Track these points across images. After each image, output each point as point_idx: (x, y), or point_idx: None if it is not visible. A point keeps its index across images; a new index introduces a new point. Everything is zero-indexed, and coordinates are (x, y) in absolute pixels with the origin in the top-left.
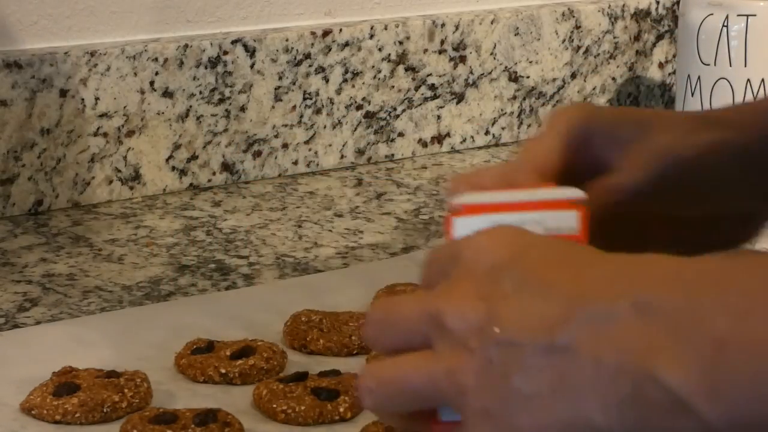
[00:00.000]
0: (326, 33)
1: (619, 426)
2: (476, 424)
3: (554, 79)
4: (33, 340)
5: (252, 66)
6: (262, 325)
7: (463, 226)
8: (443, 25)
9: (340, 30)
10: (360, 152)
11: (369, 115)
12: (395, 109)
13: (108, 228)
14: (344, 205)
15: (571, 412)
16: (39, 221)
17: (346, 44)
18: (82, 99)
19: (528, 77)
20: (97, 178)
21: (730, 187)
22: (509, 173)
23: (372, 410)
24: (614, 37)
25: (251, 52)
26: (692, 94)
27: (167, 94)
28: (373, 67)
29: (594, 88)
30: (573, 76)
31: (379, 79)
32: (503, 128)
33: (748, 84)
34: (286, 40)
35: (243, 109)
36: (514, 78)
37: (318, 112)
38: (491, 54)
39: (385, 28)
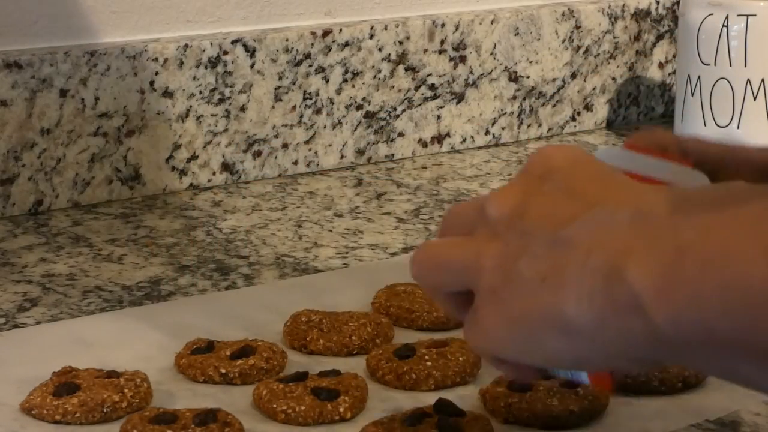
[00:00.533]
0: (326, 33)
1: (586, 317)
2: (483, 303)
3: (554, 79)
4: (33, 340)
5: (252, 66)
6: (262, 325)
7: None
8: (443, 25)
9: (340, 30)
10: (360, 152)
11: (369, 115)
12: (395, 109)
13: (108, 228)
14: (344, 205)
15: (551, 299)
16: (39, 221)
17: (346, 44)
18: (82, 99)
19: (528, 77)
20: (97, 178)
21: None
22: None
23: (416, 279)
24: (614, 37)
25: (251, 52)
26: (692, 94)
27: (167, 94)
28: (373, 67)
29: (594, 88)
30: (573, 76)
31: (379, 79)
32: (503, 128)
33: (748, 84)
34: (286, 40)
35: (243, 109)
36: (514, 78)
37: (318, 112)
38: (491, 54)
39: (385, 28)
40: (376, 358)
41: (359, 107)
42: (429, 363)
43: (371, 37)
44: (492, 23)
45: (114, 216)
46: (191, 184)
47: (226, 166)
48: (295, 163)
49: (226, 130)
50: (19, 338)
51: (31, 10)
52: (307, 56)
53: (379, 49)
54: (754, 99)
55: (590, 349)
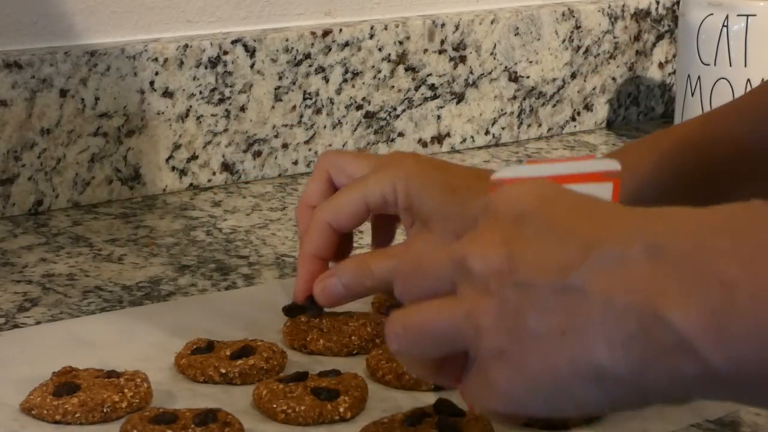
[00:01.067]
0: (326, 33)
1: (623, 364)
2: (489, 364)
3: (554, 79)
4: (33, 340)
5: (252, 66)
6: (262, 325)
7: None
8: (443, 25)
9: (340, 30)
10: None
11: (369, 115)
12: (395, 109)
13: (108, 228)
14: None
15: (578, 351)
16: (39, 221)
17: (346, 44)
18: (82, 99)
19: (528, 77)
20: (97, 178)
21: None
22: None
23: (398, 356)
24: (614, 37)
25: (251, 52)
26: (692, 94)
27: (167, 94)
28: (373, 67)
29: (594, 88)
30: (573, 76)
31: (379, 79)
32: (503, 128)
33: (748, 84)
34: (286, 40)
35: (243, 109)
36: (514, 78)
37: (318, 112)
38: (491, 54)
39: (385, 28)
40: (376, 358)
41: (359, 107)
42: None
43: (371, 37)
44: (492, 23)
45: (114, 216)
46: (191, 184)
47: (226, 166)
48: (295, 163)
49: (226, 130)
50: (19, 338)
51: (31, 10)
52: (307, 56)
53: (379, 49)
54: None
55: (628, 393)
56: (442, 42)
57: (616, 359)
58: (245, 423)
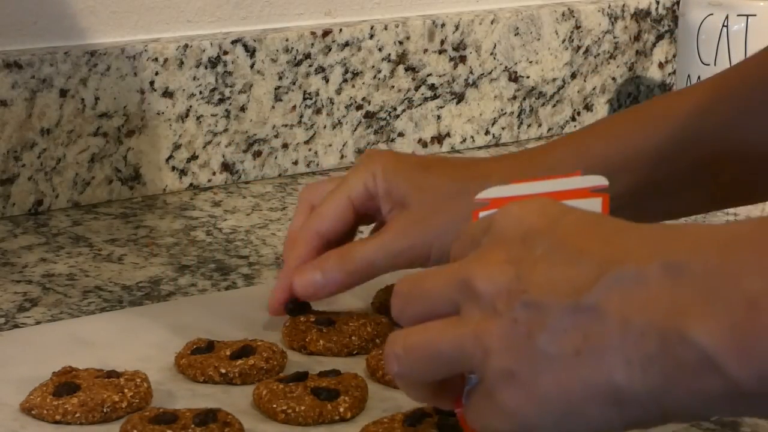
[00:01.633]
0: (326, 33)
1: (642, 384)
2: (497, 386)
3: (554, 79)
4: (33, 340)
5: (252, 66)
6: (262, 325)
7: None
8: (443, 25)
9: (340, 30)
10: (360, 152)
11: (369, 115)
12: (395, 109)
13: (108, 228)
14: None
15: (594, 372)
16: (39, 221)
17: (346, 44)
18: (82, 99)
19: (528, 77)
20: (97, 178)
21: None
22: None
23: (398, 378)
24: (614, 37)
25: (251, 52)
26: None
27: (167, 94)
28: (373, 67)
29: (594, 88)
30: (573, 76)
31: (379, 79)
32: (503, 128)
33: None
34: (286, 40)
35: (243, 109)
36: (514, 78)
37: (318, 112)
38: (491, 54)
39: (385, 28)
40: (376, 358)
41: (359, 107)
42: None
43: (371, 37)
44: (492, 23)
45: (114, 216)
46: (191, 184)
47: (226, 166)
48: (295, 163)
49: (226, 130)
50: (19, 338)
51: (31, 10)
52: (307, 56)
53: (379, 49)
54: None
55: (646, 413)
56: (442, 42)
57: (635, 379)
58: (245, 423)
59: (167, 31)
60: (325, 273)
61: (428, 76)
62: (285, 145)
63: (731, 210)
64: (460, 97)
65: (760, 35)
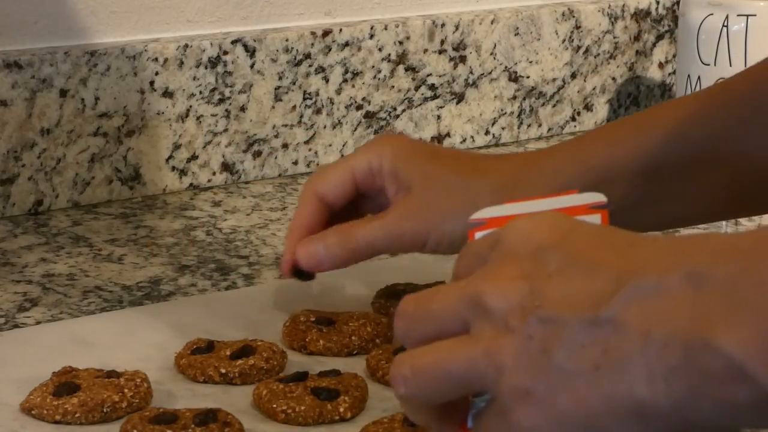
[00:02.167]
0: (326, 33)
1: (665, 397)
2: (513, 405)
3: (554, 79)
4: (33, 340)
5: (252, 66)
6: (262, 325)
7: None
8: (443, 25)
9: (340, 30)
10: None
11: (369, 115)
12: (395, 109)
13: (108, 228)
14: None
15: (614, 386)
16: (39, 221)
17: (346, 44)
18: (82, 99)
19: (528, 77)
20: (97, 178)
21: None
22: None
23: (405, 400)
24: (614, 37)
25: (251, 52)
26: None
27: (167, 94)
28: (373, 67)
29: (594, 88)
30: (573, 76)
31: (379, 79)
32: (503, 128)
33: None
34: (286, 40)
35: (243, 109)
36: (514, 78)
37: (318, 112)
38: (491, 54)
39: (385, 28)
40: (376, 358)
41: (359, 107)
42: None
43: (371, 37)
44: (492, 23)
45: (114, 216)
46: (191, 184)
47: (226, 166)
48: (295, 163)
49: (226, 130)
50: (19, 338)
51: (31, 10)
52: (307, 56)
53: (379, 49)
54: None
55: (670, 426)
56: (442, 42)
57: (657, 392)
58: (245, 423)
59: (167, 31)
60: (327, 247)
61: (428, 76)
62: (285, 145)
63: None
64: (460, 97)
65: (760, 35)
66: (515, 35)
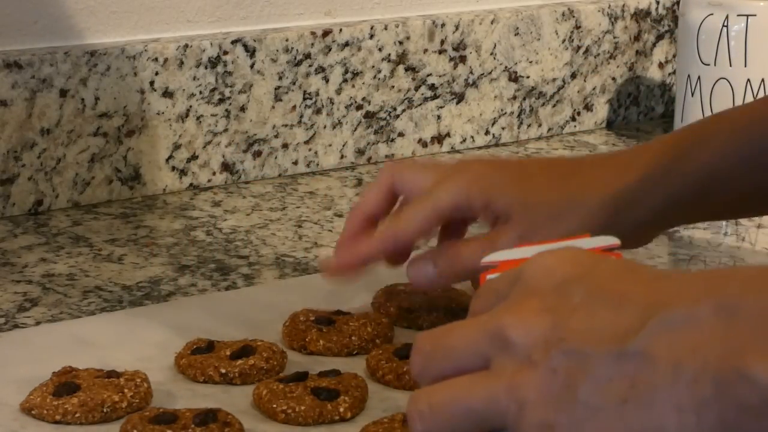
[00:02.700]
0: (326, 33)
1: (696, 431)
2: None
3: (554, 79)
4: (33, 340)
5: (252, 66)
6: (262, 325)
7: None
8: (443, 25)
9: (340, 30)
10: (360, 152)
11: (369, 115)
12: (395, 109)
13: (108, 228)
14: (344, 205)
15: (642, 420)
16: (39, 221)
17: (346, 44)
18: (82, 99)
19: (528, 77)
20: (97, 178)
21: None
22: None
23: None
24: (614, 37)
25: (251, 52)
26: (692, 94)
27: (167, 94)
28: (373, 67)
29: (594, 88)
30: (573, 76)
31: (379, 79)
32: (503, 128)
33: (748, 84)
34: (286, 40)
35: (243, 109)
36: (514, 78)
37: (318, 112)
38: (491, 54)
39: (385, 28)
40: (376, 358)
41: (359, 107)
42: None
43: (371, 37)
44: (492, 23)
45: (114, 216)
46: (191, 184)
47: (226, 166)
48: (295, 163)
49: (226, 130)
50: (19, 338)
51: (31, 10)
52: (307, 56)
53: (379, 49)
54: (754, 99)
55: None
56: (442, 42)
57: (687, 426)
58: (245, 423)
59: (167, 31)
60: (437, 267)
61: (428, 76)
62: (285, 145)
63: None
64: (460, 97)
65: (760, 35)
66: (515, 35)
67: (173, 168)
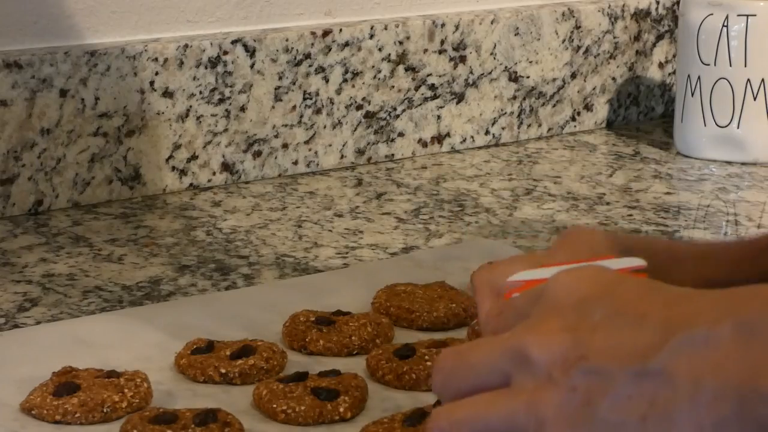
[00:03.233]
0: (326, 33)
1: None
2: None
3: (554, 79)
4: (33, 340)
5: (252, 66)
6: (262, 325)
7: None
8: (443, 25)
9: (340, 30)
10: (360, 152)
11: (369, 115)
12: (395, 109)
13: (108, 228)
14: (344, 205)
15: None
16: (39, 221)
17: (346, 44)
18: (82, 99)
19: (528, 77)
20: (97, 178)
21: None
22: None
23: None
24: (614, 37)
25: (251, 52)
26: (692, 94)
27: (167, 94)
28: (373, 67)
29: (594, 88)
30: (573, 76)
31: (379, 79)
32: (503, 128)
33: (748, 84)
34: (286, 40)
35: (243, 109)
36: (514, 78)
37: (318, 112)
38: (491, 54)
39: (385, 28)
40: (376, 358)
41: (359, 107)
42: (429, 363)
43: (371, 37)
44: (492, 23)
45: (114, 216)
46: (191, 184)
47: (226, 166)
48: (295, 163)
49: (226, 130)
50: (19, 338)
51: (31, 10)
52: (307, 56)
53: (379, 49)
54: (754, 99)
55: None
56: (442, 42)
57: None
58: (245, 423)
59: (167, 31)
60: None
61: (428, 76)
62: (285, 145)
63: None
64: (460, 97)
65: (760, 35)
66: (515, 35)
67: (173, 168)
